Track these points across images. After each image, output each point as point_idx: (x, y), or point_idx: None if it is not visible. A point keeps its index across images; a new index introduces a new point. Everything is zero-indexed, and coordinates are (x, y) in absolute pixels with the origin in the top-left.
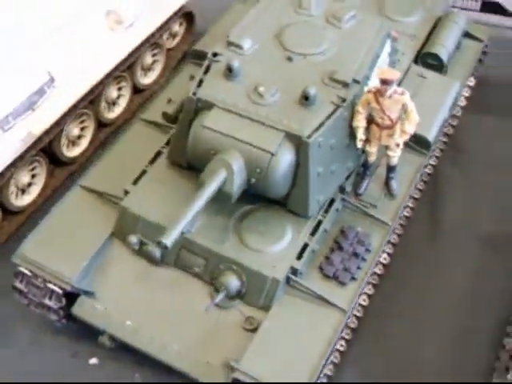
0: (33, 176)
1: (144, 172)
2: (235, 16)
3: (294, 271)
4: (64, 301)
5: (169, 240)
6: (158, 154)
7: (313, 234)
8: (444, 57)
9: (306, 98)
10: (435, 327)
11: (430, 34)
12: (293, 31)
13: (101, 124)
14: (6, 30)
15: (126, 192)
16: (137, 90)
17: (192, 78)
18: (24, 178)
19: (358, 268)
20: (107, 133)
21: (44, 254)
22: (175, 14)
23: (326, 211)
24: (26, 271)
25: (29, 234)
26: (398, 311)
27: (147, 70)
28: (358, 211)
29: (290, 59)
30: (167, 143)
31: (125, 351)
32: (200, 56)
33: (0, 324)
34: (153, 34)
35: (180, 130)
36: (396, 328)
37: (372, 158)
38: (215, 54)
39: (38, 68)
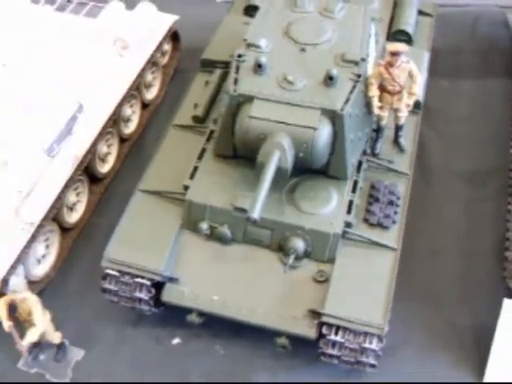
0: (77, 194)
1: (196, 167)
2: (229, 26)
3: (348, 224)
4: (153, 291)
5: (256, 214)
6: (203, 150)
7: (353, 191)
8: (411, 32)
9: (330, 78)
10: (445, 253)
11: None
12: (298, 27)
13: (121, 140)
14: (39, 68)
15: (186, 187)
16: (144, 105)
17: (207, 83)
18: (72, 197)
19: (395, 213)
20: (127, 147)
21: (128, 254)
22: (166, 34)
23: (358, 171)
24: (113, 272)
25: (109, 241)
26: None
27: (149, 86)
28: (379, 168)
29: (303, 50)
30: (207, 140)
31: (202, 328)
32: (208, 64)
33: (84, 328)
34: (152, 55)
35: (224, 125)
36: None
37: (384, 122)
38: (240, 55)
39: (69, 98)
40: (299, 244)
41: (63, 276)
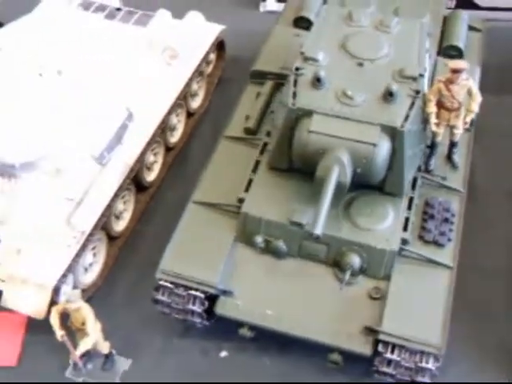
0: (124, 203)
1: (250, 180)
2: (279, 37)
3: (404, 241)
4: (206, 303)
5: (319, 230)
6: (257, 163)
7: (408, 208)
8: (462, 47)
9: (390, 94)
10: (497, 271)
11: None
12: (355, 41)
13: (167, 148)
14: (91, 76)
15: (241, 200)
16: (188, 114)
17: (258, 95)
18: (120, 205)
19: (450, 230)
20: (172, 156)
21: (183, 266)
22: (213, 43)
23: (413, 188)
24: (167, 284)
25: (164, 253)
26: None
27: (194, 95)
28: (432, 184)
29: (360, 65)
30: (261, 152)
31: (249, 341)
32: (259, 75)
33: (130, 338)
34: (199, 64)
35: (281, 138)
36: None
37: (439, 138)
38: (297, 69)
39: (119, 106)
40: (355, 260)
41: (109, 285)
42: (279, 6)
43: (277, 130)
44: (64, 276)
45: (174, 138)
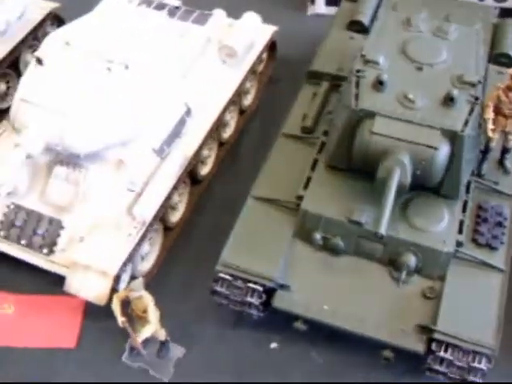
0: (179, 195)
1: (309, 178)
2: (335, 39)
3: (459, 244)
4: (264, 296)
5: (383, 230)
6: (315, 161)
7: (463, 211)
8: None
9: (450, 100)
10: None
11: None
12: (414, 46)
13: (220, 144)
14: (153, 71)
15: (300, 197)
16: (240, 111)
17: (314, 95)
18: (176, 197)
19: (503, 234)
20: (224, 151)
21: (243, 259)
22: (267, 43)
23: (467, 191)
24: (227, 276)
25: (224, 246)
26: None
27: (246, 93)
28: (485, 188)
29: (420, 69)
30: (319, 151)
31: (299, 334)
32: (315, 76)
33: (184, 327)
34: (254, 63)
35: (341, 138)
36: None
37: (493, 144)
38: (358, 71)
39: (178, 102)
40: (411, 260)
41: (163, 274)
42: (327, 10)
43: (336, 130)
44: (125, 264)
45: (227, 133)
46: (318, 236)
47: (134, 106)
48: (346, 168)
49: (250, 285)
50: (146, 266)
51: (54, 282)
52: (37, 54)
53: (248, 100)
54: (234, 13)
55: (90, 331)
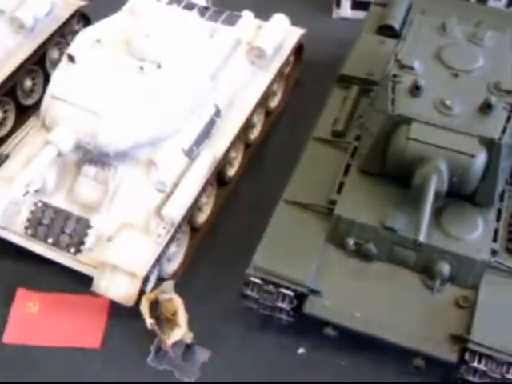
0: (206, 196)
1: (341, 183)
2: (365, 44)
3: (493, 252)
4: (295, 302)
5: (422, 237)
6: (347, 166)
7: (497, 220)
8: None
9: (488, 107)
10: None
11: None
12: (449, 52)
13: (246, 145)
14: (184, 71)
15: (332, 201)
16: (267, 113)
17: (345, 99)
18: (203, 198)
19: None
20: (250, 152)
21: (274, 263)
22: (295, 45)
23: (501, 200)
24: (257, 280)
25: (257, 249)
26: None
27: (273, 95)
28: None
29: (455, 75)
30: (352, 156)
31: (327, 339)
32: (345, 79)
33: (209, 329)
34: (282, 65)
35: (376, 143)
36: None
37: None
38: (394, 75)
39: (207, 101)
40: (445, 268)
41: (188, 276)
42: (353, 13)
43: (370, 135)
44: (153, 266)
45: (253, 135)
46: (350, 241)
47: (165, 106)
48: (379, 173)
49: (282, 290)
50: (171, 267)
51: (78, 281)
52: (68, 51)
53: (274, 102)
54: (259, 15)
55: (115, 332)
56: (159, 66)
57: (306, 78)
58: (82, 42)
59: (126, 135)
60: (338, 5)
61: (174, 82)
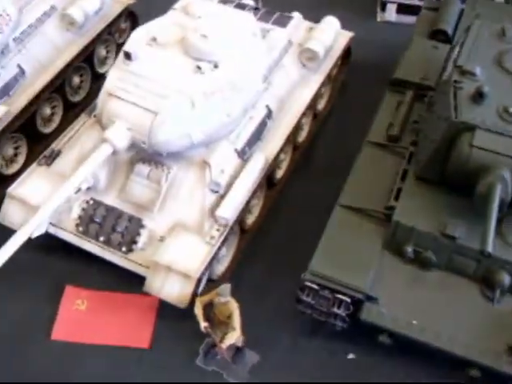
0: (256, 198)
1: (399, 189)
2: (418, 48)
3: None
4: (351, 308)
5: (489, 247)
6: (404, 171)
7: None
8: None
9: None
10: None
11: None
12: (510, 57)
13: (294, 147)
14: (239, 71)
15: (390, 207)
16: (314, 115)
17: (399, 103)
18: (253, 200)
19: None
20: (297, 154)
21: (332, 269)
22: (344, 49)
23: None
24: (314, 285)
25: (314, 254)
26: None
27: (320, 97)
28: None
29: None
30: (408, 162)
31: (377, 346)
32: (398, 84)
33: (258, 333)
34: (331, 68)
35: (436, 150)
36: None
37: None
38: (456, 82)
39: (260, 102)
40: (506, 278)
41: (236, 278)
42: (398, 18)
43: (429, 142)
44: (207, 268)
45: (301, 137)
46: (409, 249)
47: (220, 106)
48: (438, 181)
49: (338, 295)
50: (220, 269)
51: (126, 280)
52: (125, 48)
53: (321, 104)
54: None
55: (164, 332)
56: (216, 66)
57: (351, 80)
58: (138, 39)
59: (182, 135)
60: (383, 8)
61: (229, 83)
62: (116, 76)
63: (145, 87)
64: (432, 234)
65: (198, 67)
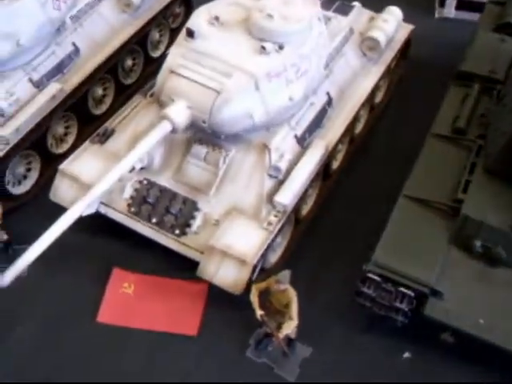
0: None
1: (467, 181)
2: (484, 41)
3: None
4: (415, 303)
5: None
6: (472, 164)
7: None
8: None
9: None
10: None
11: None
12: None
13: (350, 139)
14: (299, 56)
15: (457, 200)
16: (370, 107)
17: (466, 96)
18: (309, 190)
19: None
20: (353, 147)
21: (396, 261)
22: (405, 41)
23: None
24: (376, 277)
25: (377, 245)
26: None
27: (378, 90)
28: None
29: None
30: (476, 155)
31: (433, 345)
32: (464, 76)
33: (311, 326)
34: (392, 59)
35: (509, 143)
36: None
37: None
38: None
39: (321, 89)
40: None
41: (289, 268)
42: (457, 14)
43: (500, 135)
44: (263, 254)
45: (357, 129)
46: (478, 244)
47: (283, 88)
48: (509, 174)
49: (401, 289)
50: (273, 257)
51: (175, 266)
52: (187, 25)
53: (379, 97)
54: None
55: (213, 320)
56: (281, 47)
57: (408, 74)
58: (201, 17)
59: (244, 115)
60: (442, 4)
61: (293, 65)
62: (178, 53)
63: (207, 65)
64: (502, 230)
65: (263, 47)
